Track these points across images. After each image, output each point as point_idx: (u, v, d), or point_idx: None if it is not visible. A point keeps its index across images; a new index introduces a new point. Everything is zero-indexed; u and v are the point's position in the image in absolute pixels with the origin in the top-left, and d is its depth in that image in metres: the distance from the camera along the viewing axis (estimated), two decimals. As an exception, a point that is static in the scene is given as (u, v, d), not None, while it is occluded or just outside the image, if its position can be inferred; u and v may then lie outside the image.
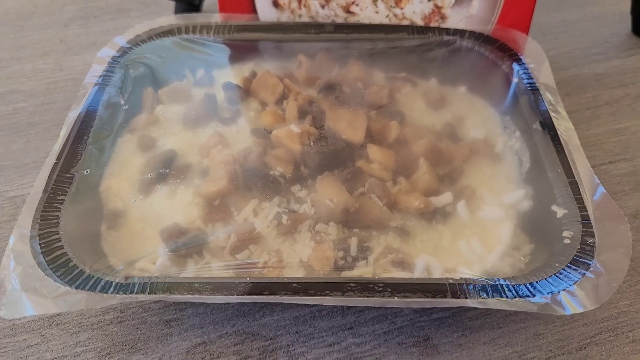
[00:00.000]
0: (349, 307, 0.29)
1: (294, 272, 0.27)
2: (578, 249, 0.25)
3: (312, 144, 0.31)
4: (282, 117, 0.33)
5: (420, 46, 0.38)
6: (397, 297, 0.23)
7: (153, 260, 0.27)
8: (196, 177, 0.31)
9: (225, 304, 0.29)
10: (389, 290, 0.24)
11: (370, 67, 0.38)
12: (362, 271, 0.27)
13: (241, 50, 0.39)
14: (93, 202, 0.30)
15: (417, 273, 0.27)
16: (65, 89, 0.43)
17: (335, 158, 0.31)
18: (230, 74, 0.38)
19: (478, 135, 0.34)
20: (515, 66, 0.36)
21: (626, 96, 0.43)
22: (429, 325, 0.28)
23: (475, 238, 0.28)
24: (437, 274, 0.27)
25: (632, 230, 0.33)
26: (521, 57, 0.36)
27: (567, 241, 0.26)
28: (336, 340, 0.28)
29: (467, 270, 0.27)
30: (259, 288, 0.24)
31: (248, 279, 0.24)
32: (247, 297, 0.24)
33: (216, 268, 0.27)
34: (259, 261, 0.27)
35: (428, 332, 0.28)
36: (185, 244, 0.27)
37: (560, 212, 0.27)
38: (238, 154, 0.31)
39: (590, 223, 0.26)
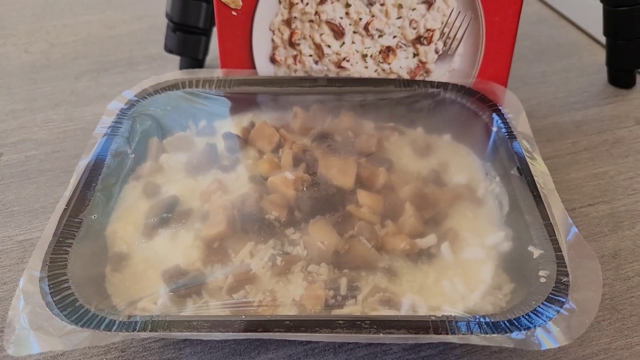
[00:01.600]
0: (340, 345, 0.30)
1: (287, 310, 0.28)
2: (553, 287, 0.27)
3: (305, 189, 0.33)
4: (278, 165, 0.36)
5: (407, 98, 0.41)
6: (383, 333, 0.25)
7: (154, 300, 0.29)
8: (197, 222, 0.33)
9: (222, 342, 0.30)
10: (375, 327, 0.25)
11: (361, 118, 0.40)
12: (352, 309, 0.28)
13: (241, 103, 0.41)
14: (99, 245, 0.32)
15: (404, 311, 0.28)
16: (74, 138, 0.46)
17: (326, 203, 0.33)
18: (231, 124, 0.40)
19: (461, 180, 0.36)
20: (495, 116, 0.38)
21: (604, 142, 0.45)
22: (417, 363, 0.29)
23: (459, 278, 0.30)
24: (422, 312, 0.28)
25: (611, 270, 0.35)
26: (500, 107, 0.39)
27: (543, 280, 0.28)
28: (328, 378, 0.29)
29: (451, 309, 0.28)
30: (253, 325, 0.25)
31: (243, 317, 0.26)
32: (243, 334, 0.25)
33: (214, 307, 0.28)
34: (254, 300, 0.29)
35: (416, 369, 0.29)
36: (185, 285, 0.29)
37: (536, 252, 0.29)
38: (236, 199, 0.33)
39: (565, 262, 0.28)
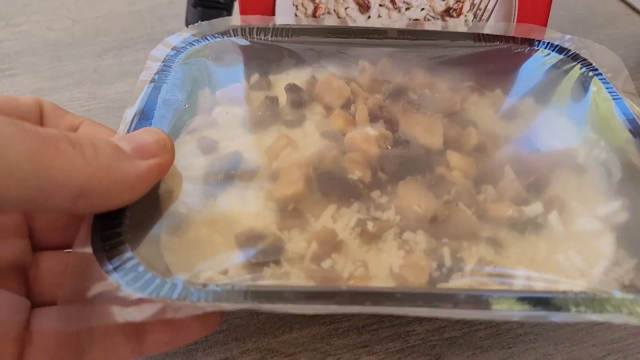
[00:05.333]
0: (363, 326, 0.29)
1: (383, 283, 0.24)
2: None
3: (389, 148, 0.29)
4: (352, 121, 0.31)
5: (487, 53, 0.36)
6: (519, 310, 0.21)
7: (223, 269, 0.25)
8: (265, 181, 0.28)
9: (247, 321, 0.29)
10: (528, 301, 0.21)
11: (435, 75, 0.36)
12: (459, 283, 0.24)
13: (299, 54, 0.37)
14: (151, 206, 0.27)
15: (518, 287, 0.24)
16: (98, 117, 0.43)
17: (413, 164, 0.29)
18: (289, 78, 0.36)
19: (557, 145, 0.32)
20: (591, 75, 0.34)
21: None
22: (441, 344, 0.28)
23: (574, 251, 0.26)
24: (540, 288, 0.24)
25: None
26: (596, 66, 0.34)
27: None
28: (352, 358, 0.28)
29: (572, 284, 0.24)
30: (359, 298, 0.21)
31: (344, 288, 0.22)
32: (348, 307, 0.21)
33: (297, 278, 0.24)
34: (342, 271, 0.24)
35: (439, 350, 0.28)
36: (264, 251, 0.25)
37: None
38: (311, 156, 0.29)
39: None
